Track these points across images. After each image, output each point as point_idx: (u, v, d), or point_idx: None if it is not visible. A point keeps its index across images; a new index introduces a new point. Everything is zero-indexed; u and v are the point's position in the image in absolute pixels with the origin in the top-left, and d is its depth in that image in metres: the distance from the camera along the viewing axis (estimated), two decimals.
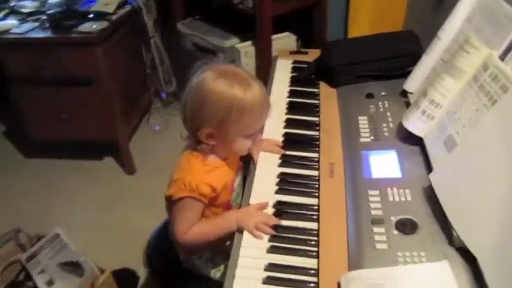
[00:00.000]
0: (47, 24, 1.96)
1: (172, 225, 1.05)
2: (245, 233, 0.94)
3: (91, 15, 1.99)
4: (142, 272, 1.78)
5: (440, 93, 1.01)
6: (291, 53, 1.63)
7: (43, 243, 1.57)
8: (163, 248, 1.28)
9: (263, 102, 1.01)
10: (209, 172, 1.04)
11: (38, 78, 2.03)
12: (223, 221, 1.02)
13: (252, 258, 0.88)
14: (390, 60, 1.35)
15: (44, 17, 2.00)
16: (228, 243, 1.20)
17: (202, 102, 0.98)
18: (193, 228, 1.03)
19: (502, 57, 0.90)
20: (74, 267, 1.51)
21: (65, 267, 1.52)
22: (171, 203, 1.04)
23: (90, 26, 1.93)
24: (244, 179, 1.14)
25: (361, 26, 1.89)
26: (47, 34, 1.94)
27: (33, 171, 2.38)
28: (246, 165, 1.17)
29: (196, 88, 0.99)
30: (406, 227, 0.87)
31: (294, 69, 1.52)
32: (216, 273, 1.19)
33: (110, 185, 2.28)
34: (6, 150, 2.53)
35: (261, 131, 1.07)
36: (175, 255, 1.23)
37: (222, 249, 1.18)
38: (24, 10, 2.08)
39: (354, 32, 1.90)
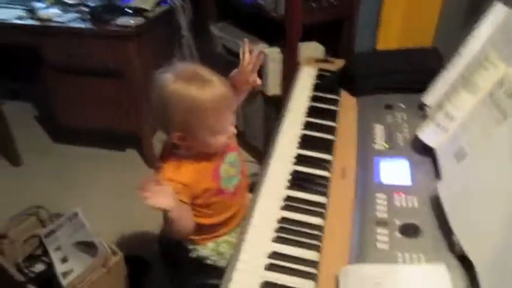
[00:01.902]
0: (88, 16, 2.06)
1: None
2: (252, 220, 0.98)
3: (129, 11, 2.08)
4: (154, 262, 1.82)
5: (455, 106, 1.03)
6: (317, 61, 1.67)
7: (62, 221, 1.63)
8: (175, 238, 1.32)
9: (223, 98, 0.99)
10: (177, 170, 1.06)
11: (72, 66, 2.12)
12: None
13: (257, 246, 0.92)
14: (411, 74, 1.38)
15: (85, 9, 2.10)
16: (233, 231, 1.25)
17: (164, 108, 0.99)
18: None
19: None
20: (88, 246, 1.56)
21: (79, 246, 1.58)
22: None
23: (127, 21, 2.02)
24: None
25: (389, 41, 1.91)
26: (86, 25, 2.03)
27: (59, 156, 2.48)
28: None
29: (157, 93, 1.00)
30: (409, 231, 0.90)
31: (318, 77, 1.55)
32: (220, 261, 1.23)
33: (130, 175, 2.34)
34: (35, 134, 2.64)
35: (233, 123, 1.07)
36: (184, 246, 1.27)
37: (226, 239, 1.22)
38: (68, 1, 2.18)
39: (383, 44, 1.92)
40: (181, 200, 1.03)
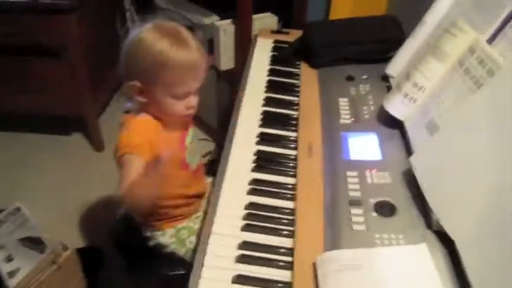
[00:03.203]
0: None
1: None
2: (218, 208, 0.90)
3: None
4: (108, 252, 1.72)
5: (424, 76, 0.99)
6: (272, 32, 1.60)
7: (2, 217, 1.48)
8: (129, 226, 1.24)
9: (192, 61, 0.96)
10: (145, 128, 1.00)
11: (3, 45, 1.92)
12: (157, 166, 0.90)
13: (225, 236, 0.85)
14: (372, 44, 1.33)
15: None
16: (193, 217, 1.17)
17: (131, 52, 0.96)
18: (132, 183, 0.90)
19: (489, 42, 0.89)
20: (35, 243, 1.43)
21: (25, 242, 1.45)
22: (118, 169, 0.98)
23: None
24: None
25: (342, 8, 1.86)
26: None
27: None
28: (218, 133, 1.13)
29: (131, 38, 0.98)
30: (385, 209, 0.86)
31: (274, 49, 1.48)
32: (181, 250, 1.16)
33: (77, 161, 2.20)
34: None
35: (196, 95, 1.02)
36: (141, 233, 1.19)
37: (187, 225, 1.15)
38: None
39: (335, 14, 1.87)
40: (140, 155, 0.94)
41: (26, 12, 1.84)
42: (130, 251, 1.28)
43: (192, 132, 1.14)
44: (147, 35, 0.95)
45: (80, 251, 1.55)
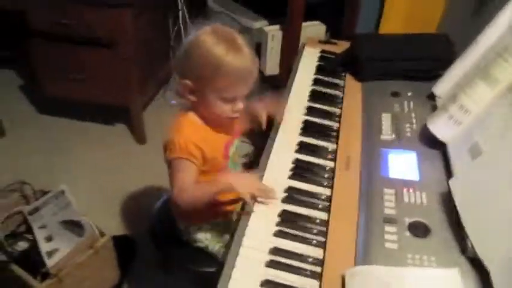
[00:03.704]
0: None
1: (171, 188, 1.05)
2: (254, 213, 0.92)
3: None
4: (142, 242, 1.77)
5: (471, 99, 0.97)
6: (320, 42, 1.60)
7: (47, 199, 1.56)
8: (166, 219, 1.28)
9: (244, 69, 0.99)
10: (195, 132, 1.04)
11: (59, 34, 2.00)
12: (215, 182, 0.99)
13: (258, 240, 0.87)
14: (421, 61, 1.32)
15: None
16: (230, 217, 1.20)
17: (186, 53, 1.00)
18: (188, 189, 1.00)
19: None
20: (75, 226, 1.50)
21: (66, 225, 1.52)
22: (168, 166, 1.06)
23: None
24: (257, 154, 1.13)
25: (393, 23, 1.84)
26: None
27: (45, 128, 2.38)
28: (257, 136, 1.16)
29: (188, 38, 1.01)
30: (419, 230, 0.85)
31: (321, 59, 1.48)
32: (214, 246, 1.19)
33: (119, 151, 2.27)
34: (20, 104, 2.52)
35: (243, 100, 1.05)
36: (175, 226, 1.23)
37: (222, 222, 1.17)
38: None
39: (385, 28, 1.86)
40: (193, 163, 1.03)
41: (85, 4, 1.92)
42: (164, 243, 1.32)
43: (237, 143, 1.16)
44: (205, 38, 0.98)
45: (115, 238, 1.61)
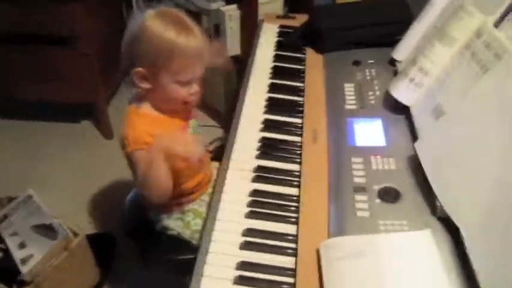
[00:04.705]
0: None
1: (134, 182, 1.04)
2: (223, 195, 0.91)
3: None
4: (121, 238, 1.74)
5: (430, 60, 0.97)
6: (278, 17, 1.58)
7: (15, 205, 1.51)
8: (138, 211, 1.26)
9: (198, 50, 0.97)
10: (148, 123, 1.02)
11: (16, 35, 1.94)
12: (153, 154, 0.94)
13: (230, 222, 0.86)
14: (379, 27, 1.31)
15: None
16: (198, 200, 1.19)
17: (135, 40, 0.97)
18: (142, 182, 0.98)
19: (496, 25, 0.87)
20: (47, 230, 1.46)
21: (37, 229, 1.47)
22: (128, 161, 1.04)
23: None
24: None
25: None
26: None
27: (9, 133, 2.30)
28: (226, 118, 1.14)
29: (132, 25, 0.99)
30: (389, 195, 0.86)
31: (280, 34, 1.46)
32: (185, 232, 1.17)
33: (87, 148, 2.22)
34: None
35: (198, 82, 1.03)
36: (148, 218, 1.22)
37: (192, 208, 1.16)
38: None
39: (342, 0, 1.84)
40: None
41: (35, 1, 1.85)
42: (139, 236, 1.30)
43: (193, 123, 1.15)
44: (152, 23, 0.95)
45: (90, 237, 1.58)
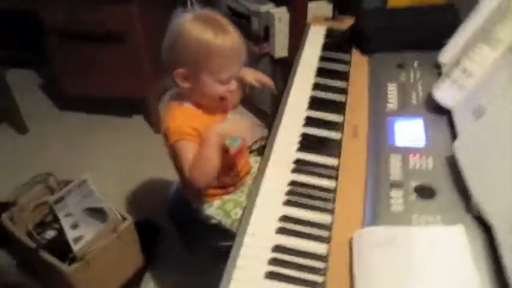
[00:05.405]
0: None
1: (181, 172, 1.08)
2: (263, 184, 0.95)
3: None
4: (164, 226, 1.83)
5: (473, 61, 0.98)
6: (326, 19, 1.61)
7: (71, 188, 1.62)
8: (181, 202, 1.32)
9: (235, 49, 1.03)
10: (189, 118, 1.08)
11: (74, 32, 2.07)
12: (206, 141, 1.01)
13: (267, 210, 0.90)
14: (426, 30, 1.32)
15: None
16: (239, 190, 1.23)
17: (175, 42, 1.03)
18: (194, 164, 1.03)
19: None
20: (98, 213, 1.56)
21: (89, 212, 1.58)
22: (170, 153, 1.10)
23: None
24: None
25: None
26: None
27: (65, 123, 2.47)
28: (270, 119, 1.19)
29: (172, 28, 1.04)
30: (425, 192, 0.87)
31: (327, 36, 1.49)
32: (226, 221, 1.22)
33: (137, 141, 2.34)
34: (40, 101, 2.61)
35: (236, 79, 1.09)
36: (190, 207, 1.28)
37: (232, 198, 1.22)
38: None
39: (393, 2, 1.84)
40: (191, 141, 1.06)
41: (93, 2, 1.98)
42: (183, 224, 1.36)
43: (230, 116, 1.20)
44: (191, 26, 1.01)
45: (137, 223, 1.66)
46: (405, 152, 0.97)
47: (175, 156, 1.09)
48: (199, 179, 1.04)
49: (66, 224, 1.57)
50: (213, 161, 1.01)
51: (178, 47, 1.02)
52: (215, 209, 1.23)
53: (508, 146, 0.80)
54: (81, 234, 1.52)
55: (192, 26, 1.01)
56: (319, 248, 0.82)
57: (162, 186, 2.01)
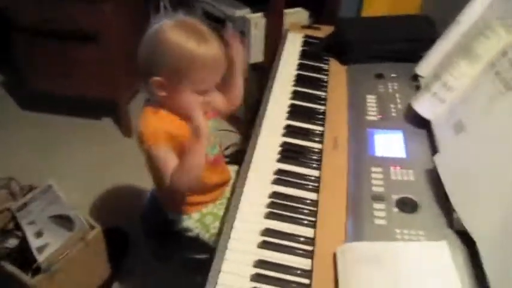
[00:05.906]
0: None
1: (160, 177, 1.02)
2: (243, 196, 0.93)
3: None
4: (134, 234, 1.77)
5: (454, 76, 0.99)
6: (303, 27, 1.60)
7: (35, 194, 1.55)
8: (156, 211, 1.28)
9: (217, 59, 0.98)
10: (164, 123, 1.02)
11: (44, 30, 2.00)
12: (198, 146, 0.95)
13: (249, 223, 0.88)
14: (404, 43, 1.33)
15: None
16: (218, 203, 1.21)
17: (154, 50, 0.97)
18: (176, 170, 0.97)
19: None
20: (64, 220, 1.49)
21: (55, 219, 1.51)
22: (146, 159, 1.05)
23: None
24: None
25: (377, 6, 1.85)
26: None
27: (30, 125, 2.35)
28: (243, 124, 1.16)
29: (151, 35, 0.98)
30: (407, 206, 0.87)
31: (304, 44, 1.49)
32: (205, 234, 1.19)
33: (106, 145, 2.26)
34: (3, 102, 2.49)
35: (214, 89, 1.05)
36: (167, 218, 1.23)
37: (211, 211, 1.18)
38: None
39: (368, 12, 1.86)
40: (168, 146, 1.00)
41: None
42: (156, 234, 1.32)
43: (213, 124, 1.15)
44: (172, 34, 0.96)
45: (106, 231, 1.60)
46: (386, 163, 0.97)
47: (151, 162, 1.05)
48: (184, 185, 0.99)
49: (29, 232, 1.49)
50: (201, 165, 0.97)
51: (157, 54, 0.97)
52: (194, 221, 1.19)
53: (488, 162, 0.81)
54: (46, 242, 1.45)
55: (174, 34, 0.96)
56: (303, 262, 0.80)
57: (132, 192, 1.96)
